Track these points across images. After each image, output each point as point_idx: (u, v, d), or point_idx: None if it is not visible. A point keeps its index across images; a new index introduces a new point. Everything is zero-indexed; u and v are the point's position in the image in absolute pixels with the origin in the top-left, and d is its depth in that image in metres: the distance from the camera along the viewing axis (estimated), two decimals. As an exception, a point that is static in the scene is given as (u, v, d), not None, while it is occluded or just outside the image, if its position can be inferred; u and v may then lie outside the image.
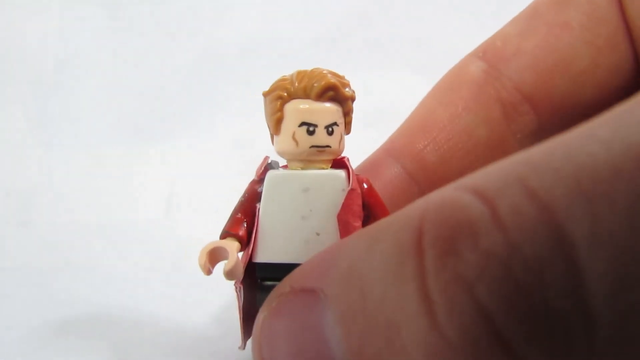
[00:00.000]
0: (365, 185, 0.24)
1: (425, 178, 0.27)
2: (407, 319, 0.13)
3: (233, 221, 0.24)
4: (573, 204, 0.12)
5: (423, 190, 0.28)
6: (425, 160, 0.27)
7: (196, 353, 0.29)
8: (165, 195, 0.57)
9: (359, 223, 0.23)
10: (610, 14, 0.25)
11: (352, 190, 0.23)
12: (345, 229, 0.22)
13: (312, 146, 0.23)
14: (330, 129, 0.23)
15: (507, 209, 0.13)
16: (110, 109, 0.62)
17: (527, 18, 0.27)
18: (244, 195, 0.24)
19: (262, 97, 0.25)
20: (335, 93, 0.23)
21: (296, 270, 0.19)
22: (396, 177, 0.28)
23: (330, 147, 0.24)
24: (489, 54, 0.27)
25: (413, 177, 0.28)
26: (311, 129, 0.23)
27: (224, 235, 0.24)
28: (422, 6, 0.62)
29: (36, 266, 0.45)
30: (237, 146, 0.58)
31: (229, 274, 0.22)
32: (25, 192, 0.56)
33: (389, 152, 0.29)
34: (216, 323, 0.33)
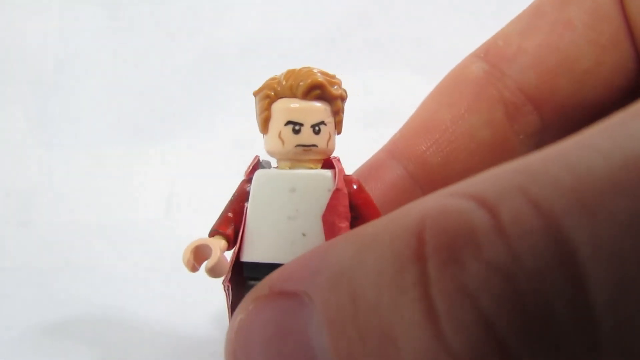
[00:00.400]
0: (354, 186, 0.24)
1: (427, 180, 0.27)
2: (406, 327, 0.13)
3: (222, 220, 0.24)
4: (574, 215, 0.12)
5: (426, 193, 0.27)
6: (428, 162, 0.27)
7: (196, 353, 0.29)
8: (165, 195, 0.57)
9: (345, 224, 0.23)
10: (613, 12, 0.24)
11: (337, 191, 0.22)
12: (330, 230, 0.22)
13: (298, 145, 0.23)
14: (317, 128, 0.23)
15: (509, 218, 0.12)
16: (110, 109, 0.62)
17: (529, 17, 0.27)
18: (234, 195, 0.24)
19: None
20: (322, 92, 0.23)
21: (276, 272, 0.18)
22: (398, 179, 0.27)
23: (316, 146, 0.23)
24: (491, 54, 0.27)
25: (415, 179, 0.27)
26: (297, 127, 0.23)
27: (212, 233, 0.24)
28: (422, 6, 0.62)
29: (36, 266, 0.45)
30: (237, 146, 0.58)
31: (211, 271, 0.22)
32: (25, 192, 0.56)
33: (390, 153, 0.28)
34: (216, 323, 0.33)
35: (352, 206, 0.23)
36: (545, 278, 0.12)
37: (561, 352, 0.12)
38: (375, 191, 0.26)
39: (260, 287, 0.18)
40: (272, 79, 0.24)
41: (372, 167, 0.28)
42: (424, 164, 0.27)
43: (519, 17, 0.27)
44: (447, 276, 0.13)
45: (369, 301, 0.14)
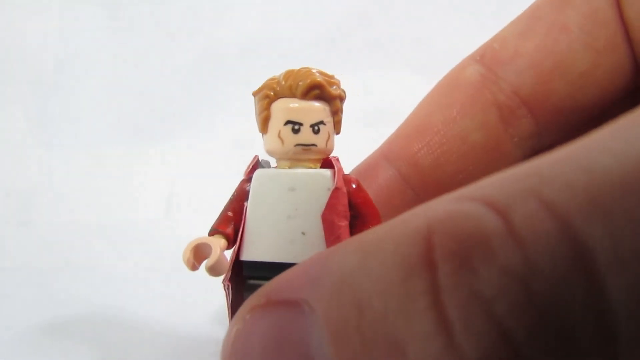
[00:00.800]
0: (353, 185, 0.24)
1: (419, 182, 0.27)
2: (416, 337, 0.13)
3: (221, 219, 0.24)
4: (591, 218, 0.12)
5: (418, 194, 0.27)
6: (420, 164, 0.27)
7: (196, 353, 0.29)
8: (165, 195, 0.57)
9: (344, 223, 0.23)
10: (610, 16, 0.25)
11: (336, 189, 0.23)
12: (329, 229, 0.22)
13: (297, 145, 0.23)
14: (316, 128, 0.23)
15: (523, 222, 0.12)
16: (110, 109, 0.62)
17: (526, 20, 0.27)
18: (233, 194, 0.25)
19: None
20: (321, 91, 0.23)
21: (273, 281, 0.17)
22: (391, 180, 0.28)
23: (316, 145, 0.23)
24: (487, 57, 0.27)
25: (407, 180, 0.27)
26: (296, 127, 0.23)
27: (212, 232, 0.24)
28: (422, 6, 0.62)
29: (36, 266, 0.45)
30: (237, 146, 0.58)
31: (211, 270, 0.23)
32: (25, 192, 0.56)
33: (384, 155, 0.28)
34: (216, 323, 0.33)
35: (351, 205, 0.23)
36: (562, 283, 0.12)
37: None
38: (368, 192, 0.26)
39: (257, 296, 0.17)
40: (272, 79, 0.24)
41: (366, 168, 0.29)
42: (416, 166, 0.27)
43: (516, 21, 0.27)
44: (459, 283, 0.12)
45: (375, 310, 0.13)
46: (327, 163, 0.25)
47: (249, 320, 0.16)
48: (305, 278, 0.16)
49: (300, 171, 0.24)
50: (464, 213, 0.13)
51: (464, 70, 0.27)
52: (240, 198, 0.24)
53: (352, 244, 0.15)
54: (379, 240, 0.14)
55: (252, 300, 0.17)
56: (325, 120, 0.24)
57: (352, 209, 0.23)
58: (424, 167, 0.27)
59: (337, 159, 0.24)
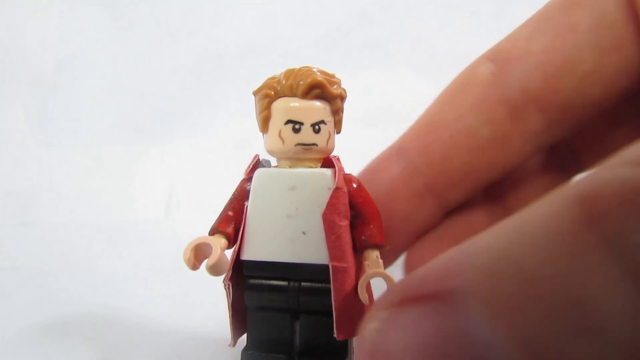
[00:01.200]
0: (354, 185, 0.24)
1: (430, 173, 0.28)
2: (600, 289, 0.12)
3: (222, 218, 0.24)
4: None
5: (428, 184, 0.28)
6: (430, 156, 0.28)
7: (196, 353, 0.29)
8: (165, 195, 0.57)
9: (345, 222, 0.23)
10: (617, 18, 0.25)
11: (337, 189, 0.23)
12: (330, 228, 0.22)
13: (298, 144, 0.23)
14: (316, 127, 0.23)
15: None
16: (110, 109, 0.62)
17: (537, 21, 0.28)
18: (234, 194, 0.25)
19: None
20: (322, 91, 0.23)
21: (406, 278, 0.16)
22: (403, 170, 0.29)
23: (316, 145, 0.23)
24: (499, 56, 0.28)
25: (419, 170, 0.28)
26: (297, 126, 0.23)
27: (213, 232, 0.24)
28: (422, 6, 0.62)
29: (36, 266, 0.45)
30: (237, 146, 0.58)
31: (212, 269, 0.22)
32: (25, 192, 0.56)
33: (398, 148, 0.30)
34: (216, 323, 0.33)
35: (351, 205, 0.23)
36: None
37: None
38: (382, 182, 0.27)
39: (392, 294, 0.16)
40: (272, 78, 0.24)
41: (380, 160, 0.29)
42: (427, 157, 0.28)
43: (528, 22, 0.28)
44: (636, 225, 0.12)
45: (544, 278, 0.13)
46: (327, 162, 0.25)
47: (388, 319, 0.15)
48: (451, 267, 0.15)
49: (300, 170, 0.24)
50: (616, 173, 0.13)
51: (476, 68, 0.29)
52: (240, 197, 0.24)
53: (495, 228, 0.15)
54: (526, 217, 0.14)
55: (387, 299, 0.16)
56: (325, 120, 0.24)
57: (352, 209, 0.23)
58: (434, 159, 0.28)
59: (338, 159, 0.24)
